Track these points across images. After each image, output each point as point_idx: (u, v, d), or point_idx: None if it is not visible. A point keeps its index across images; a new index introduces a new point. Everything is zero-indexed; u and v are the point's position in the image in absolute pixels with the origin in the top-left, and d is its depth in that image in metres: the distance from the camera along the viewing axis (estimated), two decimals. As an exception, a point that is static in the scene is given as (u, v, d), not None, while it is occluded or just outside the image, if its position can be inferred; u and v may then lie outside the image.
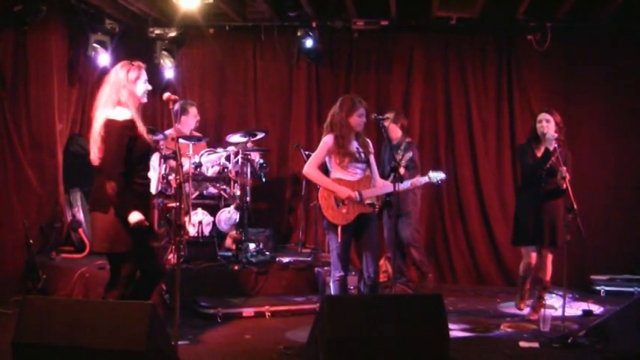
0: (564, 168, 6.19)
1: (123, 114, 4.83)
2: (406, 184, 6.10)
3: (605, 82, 8.89)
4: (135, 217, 4.72)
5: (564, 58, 8.95)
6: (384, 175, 6.54)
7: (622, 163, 8.89)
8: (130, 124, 4.81)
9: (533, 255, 6.65)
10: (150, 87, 5.07)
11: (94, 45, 7.95)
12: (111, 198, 4.70)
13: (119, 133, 4.75)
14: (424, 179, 6.15)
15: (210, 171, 7.69)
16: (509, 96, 9.14)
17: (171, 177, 7.05)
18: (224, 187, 7.66)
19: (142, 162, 4.95)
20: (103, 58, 8.06)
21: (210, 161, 7.73)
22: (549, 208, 6.55)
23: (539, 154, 6.58)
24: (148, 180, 5.11)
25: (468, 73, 9.18)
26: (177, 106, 7.53)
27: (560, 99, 8.87)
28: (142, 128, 4.87)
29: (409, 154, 7.32)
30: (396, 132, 7.68)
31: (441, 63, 9.23)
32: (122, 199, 4.72)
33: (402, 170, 6.77)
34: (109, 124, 4.77)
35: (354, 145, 5.83)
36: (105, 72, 5.59)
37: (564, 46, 8.83)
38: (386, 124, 7.14)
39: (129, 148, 4.79)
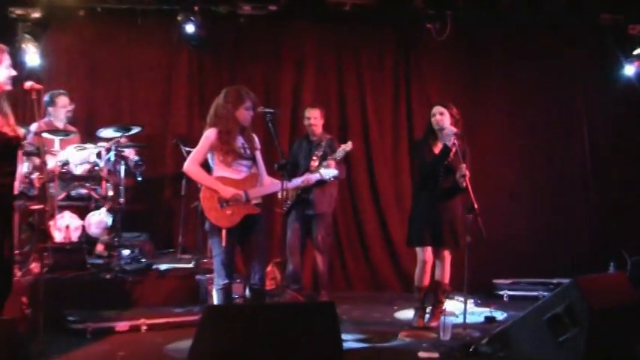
0: (464, 165, 6.23)
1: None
2: (297, 182, 6.07)
3: (511, 75, 9.26)
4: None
5: (467, 48, 9.22)
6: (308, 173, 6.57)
7: (527, 161, 9.26)
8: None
9: (429, 257, 6.67)
10: (14, 72, 4.87)
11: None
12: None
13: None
14: (315, 176, 6.16)
15: (79, 169, 7.47)
16: (407, 89, 9.34)
17: (35, 176, 6.76)
18: (95, 187, 7.49)
19: (2, 158, 4.73)
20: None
21: (79, 158, 7.50)
22: (448, 207, 6.62)
23: (436, 150, 6.62)
24: (9, 179, 4.88)
25: (364, 64, 9.33)
26: (46, 97, 7.43)
27: (462, 92, 9.10)
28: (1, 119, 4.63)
29: (341, 150, 7.46)
30: (318, 128, 7.85)
31: (334, 53, 9.34)
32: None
33: (332, 163, 7.02)
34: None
35: (240, 141, 5.74)
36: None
37: (466, 36, 9.10)
38: (311, 121, 7.72)
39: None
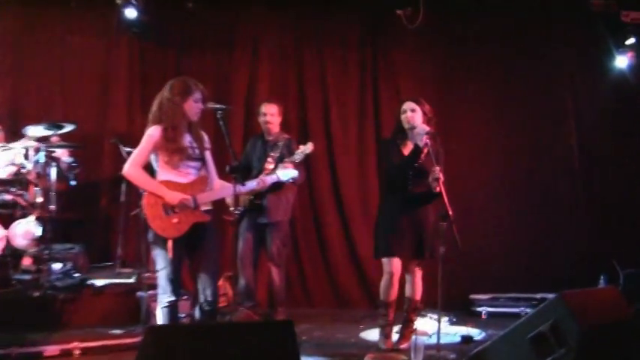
0: (437, 168, 6.20)
1: None
2: (251, 185, 6.09)
3: (492, 67, 9.29)
4: None
5: (442, 37, 9.26)
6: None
7: (509, 163, 9.30)
8: None
9: (397, 269, 6.63)
10: None
11: None
12: None
13: None
14: (271, 178, 6.25)
15: (3, 172, 7.44)
16: (375, 83, 9.40)
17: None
18: (21, 192, 7.44)
19: None
20: None
21: (4, 160, 7.47)
22: (419, 214, 6.63)
23: (406, 151, 6.63)
24: None
25: (327, 55, 9.38)
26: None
27: (436, 87, 9.21)
28: None
29: (300, 152, 7.41)
30: (275, 126, 7.90)
31: (294, 42, 9.39)
32: None
33: (289, 165, 6.91)
34: None
35: (187, 140, 5.73)
36: None
37: (441, 24, 9.13)
38: (267, 118, 7.72)
39: None
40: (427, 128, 6.40)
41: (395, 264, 6.59)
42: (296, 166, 7.11)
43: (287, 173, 6.32)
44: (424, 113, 6.60)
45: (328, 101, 9.38)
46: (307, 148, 7.36)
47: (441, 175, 6.16)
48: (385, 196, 6.96)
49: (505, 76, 9.31)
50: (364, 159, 9.36)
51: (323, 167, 9.35)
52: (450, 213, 5.89)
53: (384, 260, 6.65)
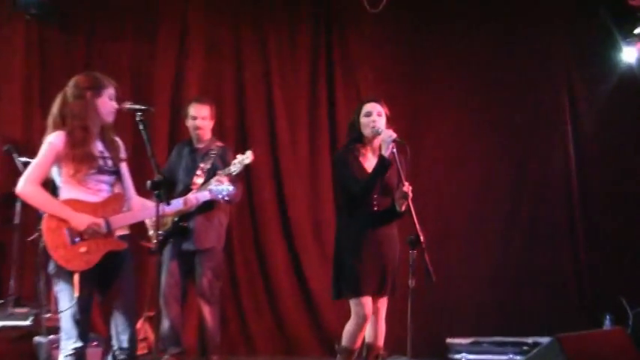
0: (407, 183, 6.12)
1: None
2: (177, 204, 5.99)
3: (470, 59, 9.35)
4: None
5: (410, 23, 9.32)
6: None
7: (492, 176, 9.34)
8: None
9: (370, 311, 6.42)
10: None
11: None
12: None
13: None
14: (202, 195, 6.28)
15: None
16: (330, 79, 9.47)
17: None
18: None
19: None
20: None
21: None
22: (384, 240, 6.50)
23: (366, 162, 6.51)
24: None
25: (271, 44, 9.41)
26: None
27: (402, 83, 9.31)
28: None
29: (237, 163, 7.43)
30: (206, 132, 7.89)
31: (230, 29, 9.43)
32: None
33: (223, 179, 6.85)
34: None
35: (98, 147, 5.64)
36: None
37: (409, 6, 9.18)
38: (198, 122, 7.70)
39: None
40: (394, 135, 6.28)
41: (368, 305, 6.41)
42: (232, 180, 7.10)
43: (221, 189, 6.33)
44: (387, 116, 6.54)
45: (272, 101, 9.39)
46: (246, 158, 7.38)
47: (409, 191, 6.09)
48: (344, 219, 6.76)
49: (487, 71, 9.33)
50: (317, 172, 9.39)
51: (266, 182, 9.32)
52: (422, 238, 5.83)
53: (354, 301, 6.44)
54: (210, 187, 6.38)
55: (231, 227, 8.53)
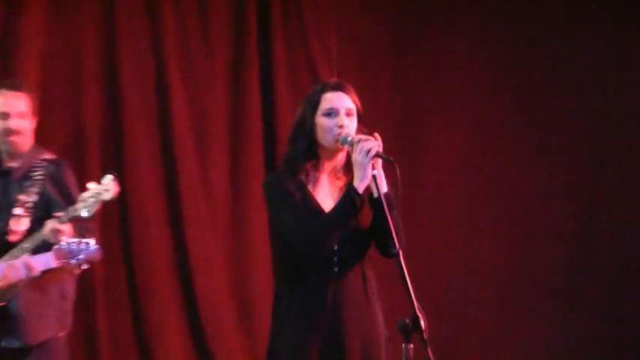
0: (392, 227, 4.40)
1: None
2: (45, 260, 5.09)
3: (475, 49, 8.33)
4: None
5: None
6: None
7: (505, 199, 8.23)
8: None
9: None
10: None
11: None
12: None
13: None
14: (43, 261, 5.10)
15: None
16: (265, 50, 7.71)
17: None
18: None
19: None
20: None
21: None
22: (350, 326, 4.63)
23: (319, 193, 4.75)
24: None
25: (190, 22, 7.57)
26: None
27: (381, 77, 8.19)
28: None
29: (92, 195, 5.47)
30: (23, 137, 6.00)
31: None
32: None
33: (66, 227, 5.34)
34: None
35: None
36: None
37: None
38: (11, 125, 5.83)
39: None
40: (376, 147, 4.47)
41: None
42: (83, 226, 5.44)
43: (77, 249, 5.01)
44: (358, 115, 4.73)
45: (166, 86, 7.25)
46: (105, 188, 5.36)
47: (397, 243, 4.36)
48: (284, 287, 4.83)
49: (494, 66, 8.15)
50: (243, 207, 7.42)
51: (155, 226, 7.26)
52: (422, 322, 4.02)
53: None
54: (60, 245, 4.93)
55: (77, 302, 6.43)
